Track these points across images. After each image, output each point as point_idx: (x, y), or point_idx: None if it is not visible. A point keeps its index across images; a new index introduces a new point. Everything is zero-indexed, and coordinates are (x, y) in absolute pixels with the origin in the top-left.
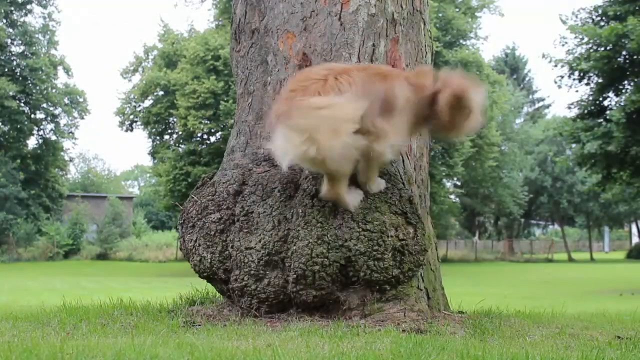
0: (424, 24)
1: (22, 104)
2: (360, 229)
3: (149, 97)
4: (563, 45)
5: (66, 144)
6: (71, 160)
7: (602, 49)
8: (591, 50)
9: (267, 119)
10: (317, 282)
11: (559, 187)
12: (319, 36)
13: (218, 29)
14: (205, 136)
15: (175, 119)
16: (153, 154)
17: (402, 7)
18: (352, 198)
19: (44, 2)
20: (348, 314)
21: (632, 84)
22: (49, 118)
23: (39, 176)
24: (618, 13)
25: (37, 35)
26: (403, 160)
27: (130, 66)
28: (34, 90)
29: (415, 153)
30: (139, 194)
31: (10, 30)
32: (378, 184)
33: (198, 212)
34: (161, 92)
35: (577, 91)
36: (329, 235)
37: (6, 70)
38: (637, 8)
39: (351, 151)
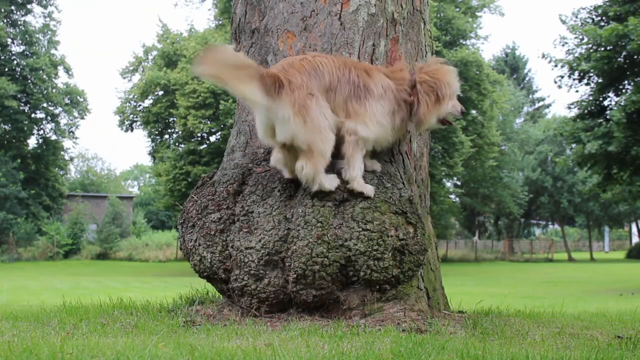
0: (424, 24)
1: (23, 104)
2: (360, 229)
3: (149, 97)
4: (563, 45)
5: (66, 143)
6: (71, 159)
7: (602, 49)
8: (591, 51)
9: None
10: (317, 281)
11: (559, 187)
12: (319, 36)
13: (218, 29)
14: (205, 136)
15: (175, 119)
16: (153, 153)
17: (402, 6)
18: (329, 180)
19: (44, 1)
20: (348, 313)
21: (632, 84)
22: (49, 118)
23: (39, 176)
24: (618, 13)
25: (37, 35)
26: (403, 160)
27: (130, 66)
28: (34, 90)
29: (415, 153)
30: (139, 193)
31: (11, 30)
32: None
33: (198, 211)
34: (161, 92)
35: (577, 91)
36: (329, 235)
37: (6, 70)
38: (637, 8)
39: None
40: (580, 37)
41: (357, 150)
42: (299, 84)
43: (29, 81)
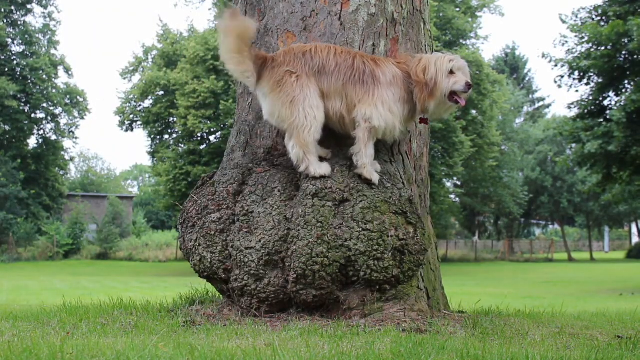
0: (424, 24)
1: (23, 104)
2: (360, 229)
3: (149, 97)
4: (563, 44)
5: (66, 143)
6: (71, 159)
7: (603, 47)
8: (591, 49)
9: None
10: (317, 281)
11: (559, 187)
12: (319, 36)
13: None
14: (205, 136)
15: (175, 119)
16: (153, 153)
17: (402, 7)
18: (318, 165)
19: (45, 2)
20: (348, 313)
21: (632, 83)
22: (49, 118)
23: (39, 176)
24: (618, 14)
25: (37, 35)
26: (403, 160)
27: (130, 66)
28: (34, 90)
29: (415, 153)
30: (139, 193)
31: (11, 30)
32: (373, 166)
33: (198, 211)
34: (161, 92)
35: (577, 91)
36: (329, 235)
37: (6, 70)
38: (637, 9)
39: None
40: (581, 35)
41: (370, 136)
42: (280, 62)
43: (29, 81)
